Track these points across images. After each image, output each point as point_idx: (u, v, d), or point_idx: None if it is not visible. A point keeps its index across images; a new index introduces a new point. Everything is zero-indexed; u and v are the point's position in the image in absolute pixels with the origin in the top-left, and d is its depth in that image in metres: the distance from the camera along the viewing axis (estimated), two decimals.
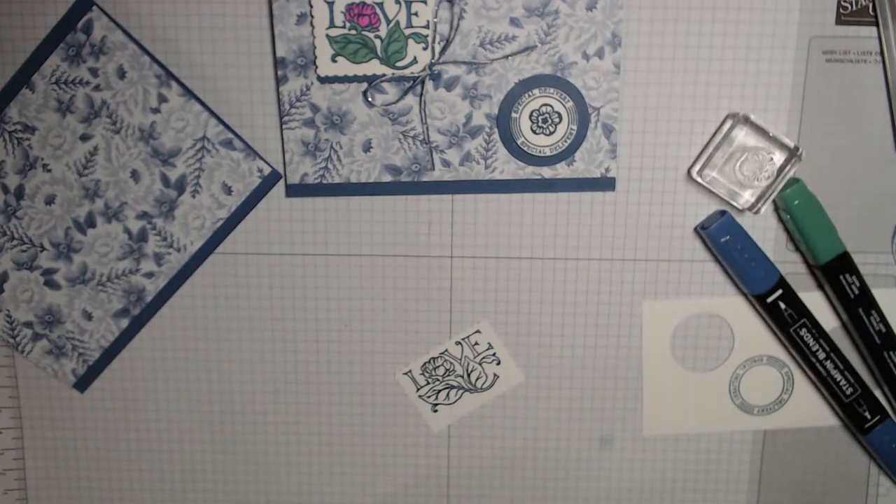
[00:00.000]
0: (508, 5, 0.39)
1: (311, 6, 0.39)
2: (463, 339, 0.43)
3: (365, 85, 0.40)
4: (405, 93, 0.40)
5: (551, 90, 0.40)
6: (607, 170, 0.41)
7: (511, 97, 0.40)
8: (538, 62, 0.40)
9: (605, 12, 0.39)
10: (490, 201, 0.42)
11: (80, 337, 0.43)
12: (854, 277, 0.41)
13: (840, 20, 0.39)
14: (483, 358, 0.44)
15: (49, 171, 0.41)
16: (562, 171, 0.41)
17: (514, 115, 0.40)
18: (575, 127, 0.40)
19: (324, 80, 0.40)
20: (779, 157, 0.40)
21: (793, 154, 0.40)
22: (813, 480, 0.45)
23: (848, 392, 0.42)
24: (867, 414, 0.43)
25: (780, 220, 0.42)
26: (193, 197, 0.41)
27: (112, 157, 0.41)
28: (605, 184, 0.41)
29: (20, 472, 0.46)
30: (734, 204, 0.41)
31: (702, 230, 0.41)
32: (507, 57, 0.40)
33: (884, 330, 0.41)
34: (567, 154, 0.41)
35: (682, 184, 0.41)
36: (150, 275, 0.42)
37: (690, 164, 0.41)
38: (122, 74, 0.40)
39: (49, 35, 0.40)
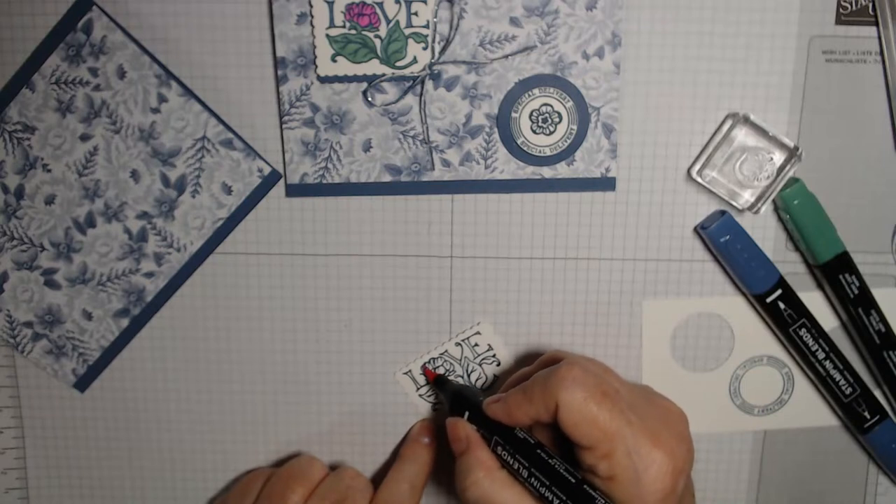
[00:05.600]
0: (508, 5, 0.39)
1: (311, 6, 0.39)
2: (463, 341, 0.43)
3: (365, 85, 0.40)
4: (405, 92, 0.40)
5: (551, 90, 0.40)
6: (607, 170, 0.41)
7: (511, 97, 0.40)
8: (538, 62, 0.40)
9: (605, 12, 0.39)
10: (490, 201, 0.42)
11: (80, 337, 0.43)
12: (854, 277, 0.41)
13: (840, 20, 0.39)
14: (483, 359, 0.44)
15: (49, 171, 0.41)
16: (562, 171, 0.41)
17: (514, 114, 0.40)
18: (575, 127, 0.40)
19: (324, 80, 0.40)
20: (778, 157, 0.40)
21: (792, 154, 0.40)
22: (813, 480, 0.45)
23: (847, 392, 0.42)
24: (867, 414, 0.43)
25: (780, 219, 0.42)
26: (193, 197, 0.41)
27: (112, 157, 0.41)
28: (605, 184, 0.41)
29: (21, 472, 0.46)
30: (734, 204, 0.41)
31: (702, 230, 0.41)
32: (506, 57, 0.40)
33: (883, 330, 0.42)
34: (567, 154, 0.41)
35: (682, 184, 0.41)
36: (150, 275, 0.42)
37: (690, 164, 0.41)
38: (122, 74, 0.40)
39: (49, 35, 0.40)
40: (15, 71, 0.40)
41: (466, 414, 0.39)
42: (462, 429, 0.38)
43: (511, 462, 0.36)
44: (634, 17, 0.39)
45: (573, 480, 0.34)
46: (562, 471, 0.35)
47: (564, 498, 0.34)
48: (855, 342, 0.43)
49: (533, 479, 0.35)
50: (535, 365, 0.39)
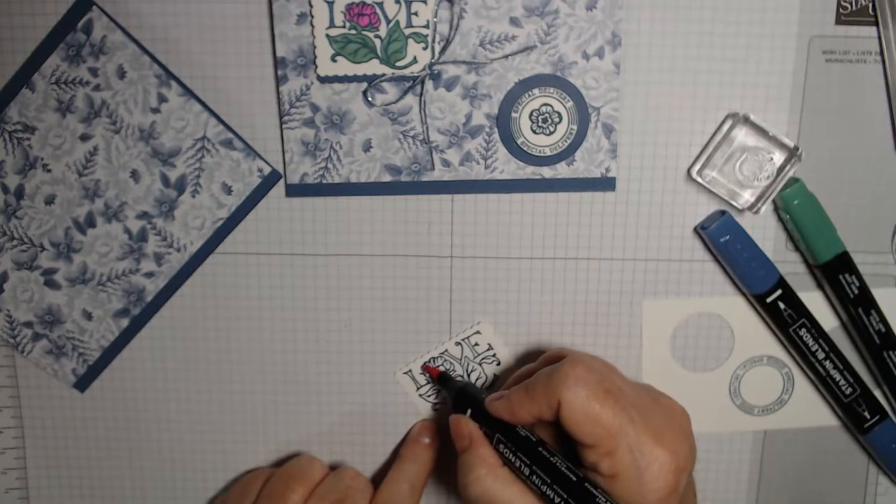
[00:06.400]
0: (508, 5, 0.39)
1: (311, 6, 0.39)
2: (463, 340, 0.43)
3: (365, 85, 0.40)
4: (405, 92, 0.40)
5: (551, 90, 0.40)
6: (607, 170, 0.41)
7: (511, 97, 0.40)
8: (538, 62, 0.40)
9: (605, 12, 0.39)
10: (490, 201, 0.42)
11: (80, 337, 0.43)
12: (854, 277, 0.41)
13: (840, 20, 0.39)
14: (483, 359, 0.44)
15: (49, 171, 0.41)
16: (562, 171, 0.41)
17: (514, 114, 0.40)
18: (575, 127, 0.40)
19: (324, 80, 0.40)
20: (778, 157, 0.40)
21: (792, 154, 0.40)
22: (813, 480, 0.45)
23: (847, 392, 0.42)
24: (866, 414, 0.43)
25: (780, 219, 0.42)
26: (193, 197, 0.41)
27: (112, 157, 0.41)
28: (605, 184, 0.41)
29: (21, 472, 0.46)
30: (734, 204, 0.41)
31: (702, 230, 0.41)
32: (506, 57, 0.40)
33: (883, 330, 0.42)
34: (567, 154, 0.41)
35: (682, 184, 0.41)
36: (150, 275, 0.42)
37: (690, 164, 0.41)
38: (122, 74, 0.40)
39: (49, 35, 0.40)
40: (15, 71, 0.40)
41: (469, 411, 0.39)
42: (465, 426, 0.38)
43: (513, 460, 0.36)
44: (634, 17, 0.39)
45: (574, 478, 0.34)
46: (563, 469, 0.35)
47: (566, 496, 0.34)
48: (855, 342, 0.43)
49: (534, 477, 0.35)
50: (539, 362, 0.39)
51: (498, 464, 0.37)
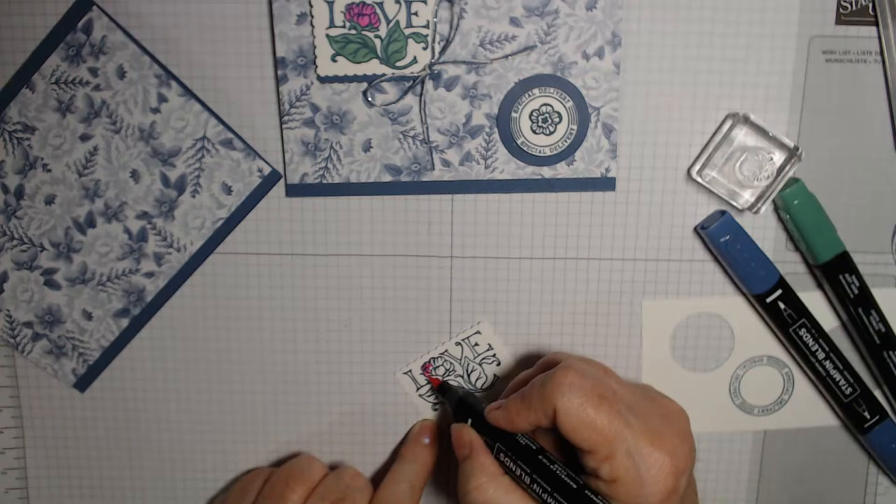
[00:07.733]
0: (508, 5, 0.39)
1: (311, 6, 0.39)
2: (463, 340, 0.43)
3: (365, 85, 0.40)
4: (405, 92, 0.40)
5: (551, 90, 0.40)
6: (607, 170, 0.41)
7: (511, 97, 0.40)
8: (538, 62, 0.40)
9: (605, 12, 0.39)
10: (490, 201, 0.42)
11: (80, 337, 0.43)
12: (854, 277, 0.41)
13: (840, 20, 0.39)
14: (483, 359, 0.44)
15: (49, 171, 0.41)
16: (562, 171, 0.41)
17: (514, 114, 0.40)
18: (575, 127, 0.40)
19: (324, 80, 0.40)
20: (778, 157, 0.40)
21: (792, 154, 0.40)
22: (813, 480, 0.45)
23: (847, 392, 0.42)
24: (866, 414, 0.43)
25: (780, 219, 0.42)
26: (193, 197, 0.41)
27: (112, 157, 0.41)
28: (605, 184, 0.41)
29: (21, 472, 0.46)
30: (734, 204, 0.41)
31: (702, 230, 0.41)
32: (507, 57, 0.40)
33: (883, 330, 0.42)
34: (567, 154, 0.41)
35: (682, 184, 0.41)
36: (150, 275, 0.42)
37: (690, 164, 0.41)
38: (122, 74, 0.40)
39: (49, 35, 0.40)
40: (15, 71, 0.40)
41: (469, 420, 0.39)
42: (466, 434, 0.38)
43: (513, 468, 0.36)
44: (634, 17, 0.39)
45: (574, 486, 0.34)
46: (563, 476, 0.35)
47: (566, 503, 0.34)
48: (855, 342, 0.43)
49: (535, 486, 0.35)
50: (535, 368, 0.39)
51: (499, 472, 0.37)
